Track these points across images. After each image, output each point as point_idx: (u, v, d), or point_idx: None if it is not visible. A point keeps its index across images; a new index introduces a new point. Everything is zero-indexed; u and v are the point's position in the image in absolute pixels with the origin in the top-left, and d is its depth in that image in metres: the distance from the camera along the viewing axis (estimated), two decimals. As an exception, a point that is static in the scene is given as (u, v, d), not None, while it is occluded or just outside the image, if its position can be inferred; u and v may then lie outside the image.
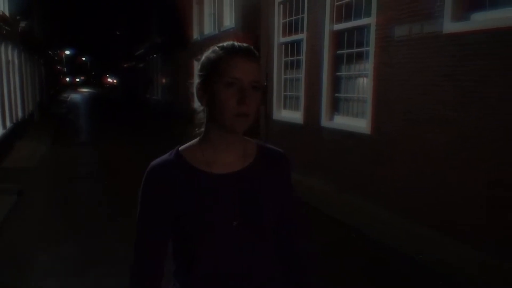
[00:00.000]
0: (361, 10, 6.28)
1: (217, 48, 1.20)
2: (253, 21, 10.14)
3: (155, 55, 25.45)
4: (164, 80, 23.31)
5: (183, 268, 1.25)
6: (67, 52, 52.11)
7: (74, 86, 68.16)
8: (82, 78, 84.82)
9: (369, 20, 5.99)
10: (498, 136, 4.17)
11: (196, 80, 1.25)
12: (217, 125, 1.20)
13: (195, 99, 1.25)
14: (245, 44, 1.22)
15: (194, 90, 1.24)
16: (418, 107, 5.14)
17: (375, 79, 5.90)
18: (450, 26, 4.67)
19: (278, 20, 8.78)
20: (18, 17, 13.15)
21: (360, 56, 6.44)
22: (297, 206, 1.39)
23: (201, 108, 1.25)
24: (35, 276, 3.96)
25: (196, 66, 1.27)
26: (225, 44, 1.21)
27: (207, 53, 1.22)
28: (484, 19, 4.41)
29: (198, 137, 1.28)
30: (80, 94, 48.51)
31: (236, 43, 1.20)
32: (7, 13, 11.24)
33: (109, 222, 5.47)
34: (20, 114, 13.18)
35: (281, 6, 8.66)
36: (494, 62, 4.21)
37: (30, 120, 16.08)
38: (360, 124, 6.30)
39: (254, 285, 1.25)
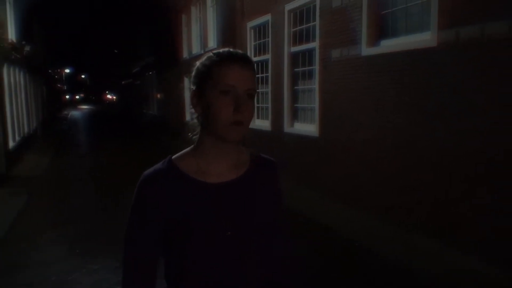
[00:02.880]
0: (309, 36, 7.66)
1: (212, 55, 1.18)
2: (231, 42, 11.51)
3: (150, 73, 26.90)
4: (158, 96, 24.72)
5: (175, 279, 1.22)
6: (67, 71, 53.77)
7: (74, 104, 69.68)
8: (81, 95, 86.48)
9: (314, 44, 7.36)
10: (395, 135, 5.49)
11: (190, 87, 1.23)
12: (211, 133, 1.18)
13: (187, 108, 1.54)
14: (240, 52, 1.19)
15: (189, 98, 1.22)
16: (347, 113, 6.47)
17: (320, 91, 7.24)
18: (366, 50, 6.03)
19: (250, 42, 10.19)
20: (23, 42, 14.55)
21: (310, 73, 7.79)
22: (282, 214, 1.37)
23: (195, 115, 1.23)
24: (42, 247, 5.26)
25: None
26: (221, 50, 1.18)
27: (203, 60, 1.20)
28: (388, 45, 5.77)
29: (192, 146, 1.25)
30: (80, 111, 49.95)
31: (232, 50, 1.18)
32: (14, 39, 12.63)
33: (102, 212, 6.77)
34: (26, 129, 14.51)
35: (252, 30, 10.07)
36: (393, 76, 5.55)
37: (35, 136, 17.41)
38: (312, 129, 7.62)
39: None
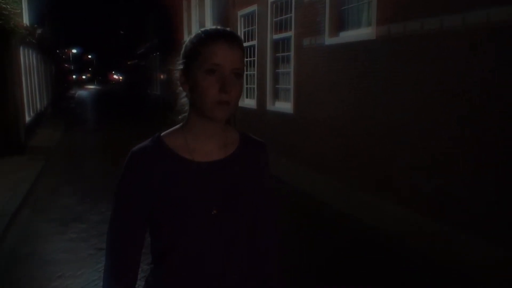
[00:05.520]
0: (287, 25, 8.79)
1: (200, 33, 1.17)
2: (226, 28, 12.63)
3: (154, 54, 28.00)
4: (162, 77, 25.89)
5: (160, 255, 1.22)
6: (74, 51, 54.88)
7: (80, 83, 70.89)
8: (88, 75, 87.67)
9: (291, 33, 8.49)
10: (349, 112, 6.67)
11: (178, 66, 1.21)
12: (198, 112, 1.18)
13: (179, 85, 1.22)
14: (228, 29, 1.18)
15: (177, 76, 1.21)
16: (313, 93, 7.66)
17: (294, 74, 8.42)
18: (328, 40, 7.18)
19: (240, 29, 11.32)
20: (35, 25, 15.72)
21: (288, 58, 8.94)
22: (271, 198, 1.36)
23: (184, 94, 1.23)
24: (62, 196, 6.60)
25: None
26: (208, 28, 1.18)
27: (191, 38, 1.19)
28: (345, 36, 6.91)
29: (181, 123, 1.26)
30: (87, 91, 51.24)
31: (220, 28, 1.17)
32: (28, 24, 13.80)
33: (107, 174, 8.06)
34: (38, 106, 15.80)
35: (242, 19, 11.20)
36: (347, 63, 6.70)
37: (45, 112, 18.73)
38: (288, 106, 8.82)
39: (231, 276, 1.23)
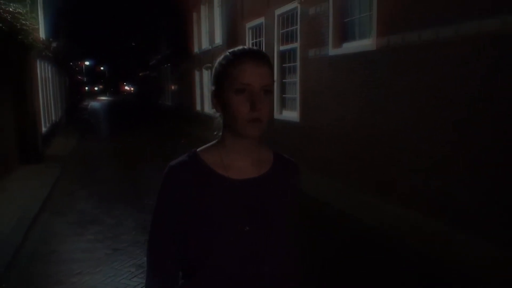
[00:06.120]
0: (293, 37, 9.11)
1: (228, 54, 1.22)
2: (234, 40, 13.01)
3: (165, 65, 28.54)
4: (173, 87, 26.37)
5: (189, 272, 1.25)
6: (87, 63, 55.82)
7: (93, 95, 71.90)
8: (100, 87, 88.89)
9: (296, 44, 8.81)
10: (353, 121, 6.93)
11: (210, 87, 1.30)
12: (231, 131, 1.23)
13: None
14: (255, 48, 1.24)
15: (210, 98, 1.27)
16: (319, 102, 7.94)
17: (300, 84, 8.71)
18: (332, 51, 7.47)
19: (248, 40, 11.67)
20: (50, 39, 16.26)
21: (294, 69, 9.25)
22: (296, 210, 1.40)
23: (218, 113, 1.27)
24: (79, 201, 6.93)
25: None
26: (235, 49, 1.22)
27: (220, 59, 1.23)
28: (348, 47, 7.19)
29: (216, 140, 1.30)
30: (99, 102, 52.11)
31: (246, 48, 1.22)
32: (44, 38, 14.32)
33: (120, 179, 8.42)
34: (53, 117, 16.28)
35: (250, 30, 11.56)
36: (349, 72, 6.98)
37: (60, 123, 19.22)
38: (294, 115, 9.10)
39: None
